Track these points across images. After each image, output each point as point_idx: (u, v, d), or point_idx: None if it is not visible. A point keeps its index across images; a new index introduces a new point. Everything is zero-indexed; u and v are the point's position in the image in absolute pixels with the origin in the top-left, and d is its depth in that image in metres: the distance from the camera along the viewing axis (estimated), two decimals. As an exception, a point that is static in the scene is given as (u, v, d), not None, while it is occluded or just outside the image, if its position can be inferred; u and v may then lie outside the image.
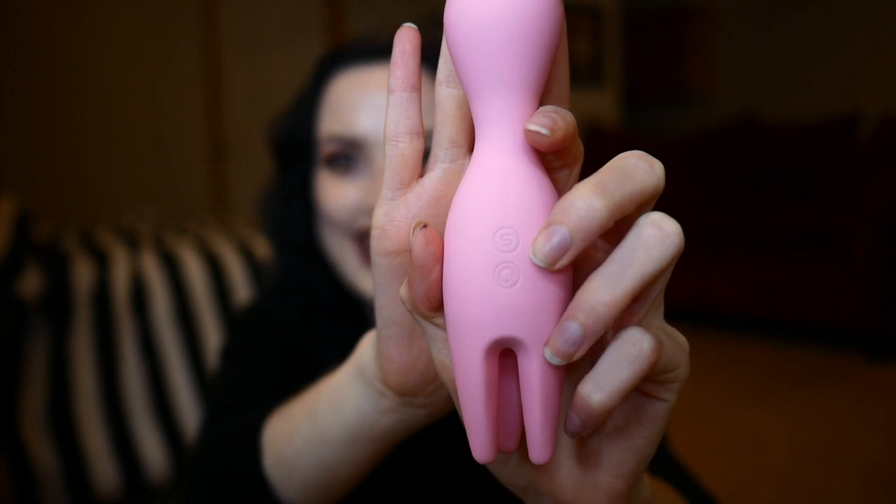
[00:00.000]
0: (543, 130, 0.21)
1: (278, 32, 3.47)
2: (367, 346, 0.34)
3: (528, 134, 0.21)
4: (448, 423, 0.54)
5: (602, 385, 0.21)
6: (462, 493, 0.58)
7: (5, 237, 1.28)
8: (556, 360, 0.21)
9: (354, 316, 0.65)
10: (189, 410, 1.40)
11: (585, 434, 0.22)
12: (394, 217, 0.27)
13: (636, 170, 0.21)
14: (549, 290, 0.22)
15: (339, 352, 0.62)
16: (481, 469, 0.57)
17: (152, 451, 1.36)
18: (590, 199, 0.20)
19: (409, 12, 3.77)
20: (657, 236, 0.21)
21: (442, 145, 0.26)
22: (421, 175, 0.27)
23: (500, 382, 0.25)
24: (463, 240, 0.22)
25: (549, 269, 0.21)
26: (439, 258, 0.23)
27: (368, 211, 0.57)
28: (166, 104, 3.15)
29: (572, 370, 0.26)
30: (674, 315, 3.52)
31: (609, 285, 0.20)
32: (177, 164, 3.20)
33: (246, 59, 3.38)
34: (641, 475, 0.26)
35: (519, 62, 0.22)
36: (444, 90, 0.26)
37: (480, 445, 0.23)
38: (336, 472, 0.37)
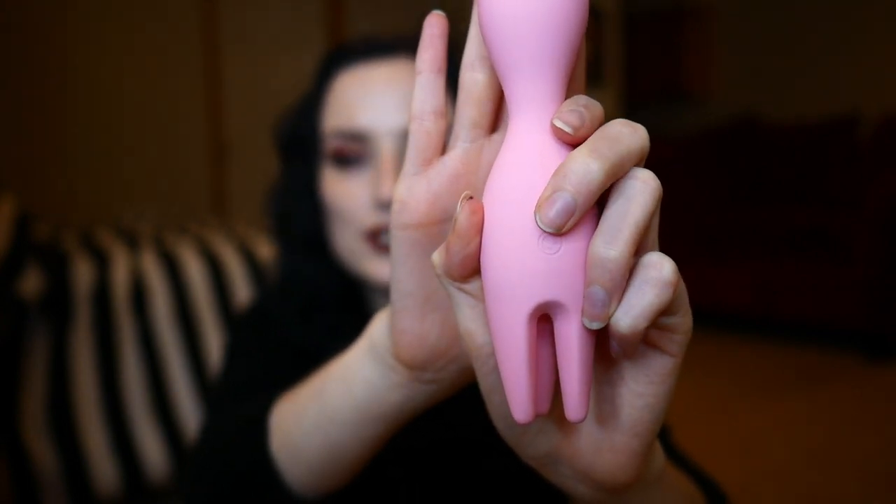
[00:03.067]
0: (567, 128, 0.23)
1: (278, 32, 3.47)
2: (380, 321, 0.35)
3: (554, 129, 0.23)
4: (453, 408, 0.54)
5: (629, 310, 0.22)
6: (467, 478, 0.58)
7: (5, 237, 1.28)
8: (595, 325, 0.22)
9: (358, 315, 0.65)
10: (189, 410, 1.41)
11: (626, 357, 0.24)
12: (414, 192, 0.28)
13: (622, 134, 0.23)
14: (584, 256, 0.23)
15: (343, 350, 0.62)
16: (487, 452, 0.57)
17: (152, 451, 1.36)
18: (587, 163, 0.21)
19: (409, 12, 3.77)
20: (637, 186, 0.23)
21: (464, 126, 0.28)
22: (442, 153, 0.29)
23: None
24: (507, 211, 0.24)
25: (556, 233, 0.22)
26: (480, 229, 0.24)
27: (375, 206, 0.57)
28: (166, 104, 3.15)
29: None
30: (674, 315, 3.51)
31: (611, 241, 0.22)
32: (177, 164, 3.20)
33: (246, 59, 3.38)
34: (656, 434, 0.27)
35: (555, 44, 0.24)
36: (470, 74, 0.27)
37: (522, 407, 0.24)
38: (343, 453, 0.38)
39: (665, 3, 4.71)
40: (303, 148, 0.65)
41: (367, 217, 0.58)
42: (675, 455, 0.55)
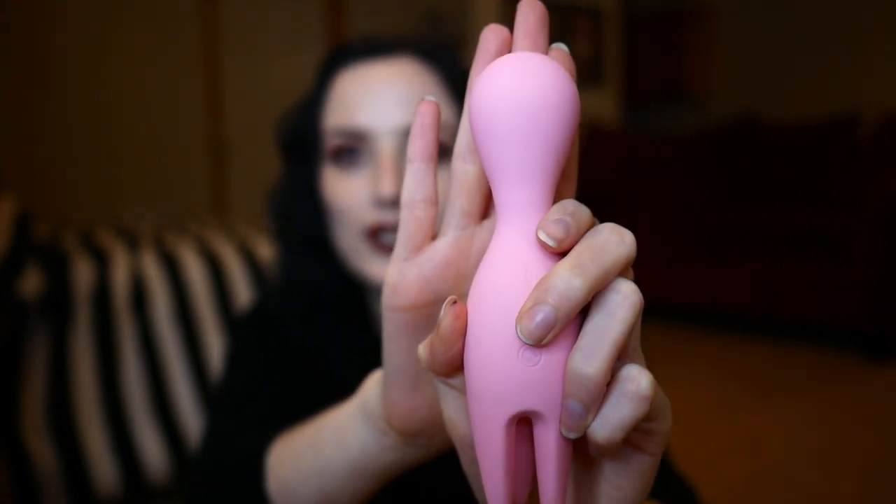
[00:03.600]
0: (551, 242, 0.23)
1: (278, 32, 3.47)
2: (372, 386, 0.36)
3: (538, 240, 0.24)
4: (443, 464, 0.54)
5: (605, 423, 0.23)
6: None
7: (5, 237, 1.28)
8: (572, 435, 0.23)
9: (359, 314, 0.65)
10: (189, 410, 1.41)
11: (604, 459, 0.25)
12: (405, 276, 0.29)
13: (608, 244, 0.23)
14: (564, 367, 0.24)
15: (344, 349, 0.62)
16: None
17: (152, 451, 1.36)
18: (569, 279, 0.22)
19: (408, 12, 3.77)
20: (617, 301, 0.23)
21: (455, 215, 0.29)
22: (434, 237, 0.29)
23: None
24: (490, 320, 0.24)
25: (536, 345, 0.22)
26: (463, 333, 0.25)
27: (375, 204, 0.58)
28: (166, 104, 3.15)
29: None
30: (674, 315, 3.51)
31: (588, 358, 0.22)
32: (177, 164, 3.20)
33: (246, 59, 3.38)
34: None
35: (544, 153, 0.24)
36: (461, 165, 0.28)
37: (498, 503, 0.25)
38: (335, 501, 0.39)
39: (665, 3, 4.71)
40: (304, 147, 0.65)
41: (367, 215, 0.58)
42: (669, 475, 0.55)
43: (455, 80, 0.60)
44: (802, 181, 3.43)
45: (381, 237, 0.58)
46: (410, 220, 0.29)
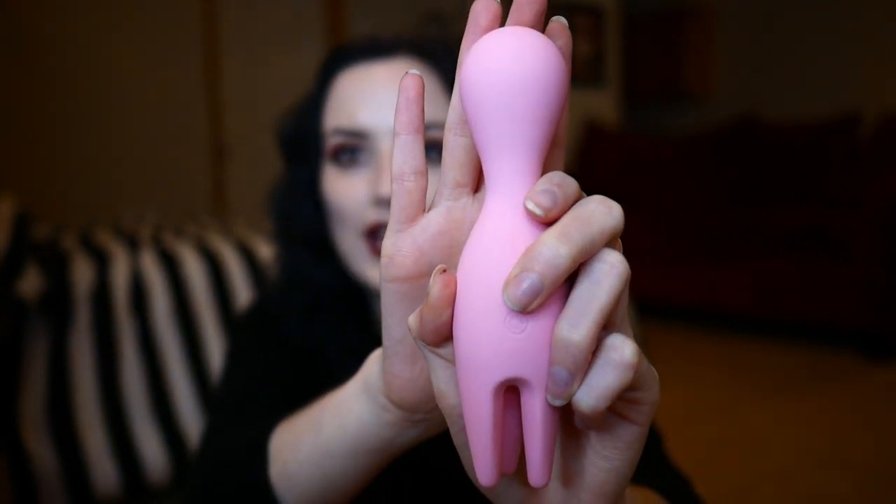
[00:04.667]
0: (538, 211, 0.24)
1: (278, 32, 3.47)
2: (373, 362, 0.37)
3: (526, 210, 0.24)
4: (440, 443, 0.55)
5: (590, 391, 0.23)
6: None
7: (5, 237, 1.28)
8: (558, 402, 0.23)
9: (360, 313, 0.65)
10: (189, 410, 1.40)
11: (590, 430, 0.25)
12: (400, 247, 0.30)
13: (595, 214, 0.23)
14: (551, 335, 0.24)
15: (344, 349, 0.62)
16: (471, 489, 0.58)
17: (152, 451, 1.36)
18: (555, 247, 0.22)
19: (408, 12, 3.77)
20: (604, 270, 0.23)
21: (447, 185, 0.29)
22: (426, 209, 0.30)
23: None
24: (478, 288, 0.24)
25: (522, 312, 0.23)
26: (451, 302, 0.26)
27: (375, 204, 0.58)
28: (166, 104, 3.15)
29: None
30: (674, 315, 3.51)
31: (575, 326, 0.23)
32: (177, 164, 3.20)
33: (246, 59, 3.38)
34: (620, 494, 0.28)
35: (532, 126, 0.25)
36: (452, 137, 0.28)
37: (485, 471, 0.25)
38: (335, 483, 0.40)
39: (665, 3, 4.71)
40: (304, 147, 0.65)
41: (367, 214, 0.58)
42: (664, 466, 0.55)
43: (455, 80, 0.60)
44: (802, 181, 3.43)
45: (380, 238, 0.58)
46: (401, 192, 0.29)
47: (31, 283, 1.27)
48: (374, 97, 0.58)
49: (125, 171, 3.04)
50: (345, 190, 0.59)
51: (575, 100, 4.22)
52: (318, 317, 0.64)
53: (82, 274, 1.41)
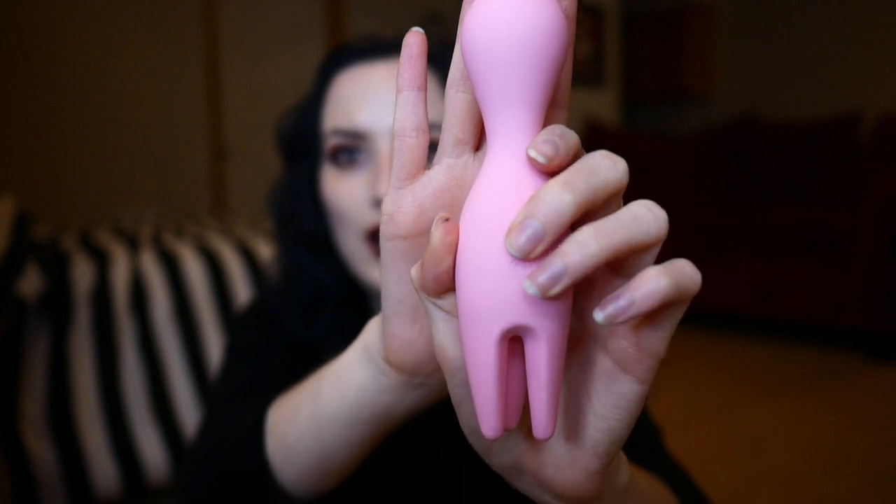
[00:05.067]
0: (541, 159, 0.24)
1: (278, 32, 3.47)
2: (373, 326, 0.37)
3: (528, 158, 0.24)
4: (436, 417, 0.54)
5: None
6: (446, 482, 0.59)
7: (5, 237, 1.28)
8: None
9: (360, 310, 0.65)
10: (189, 410, 1.40)
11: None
12: (401, 205, 0.30)
13: (601, 167, 0.24)
14: None
15: (344, 346, 0.62)
16: (466, 460, 0.59)
17: (152, 451, 1.36)
18: (559, 194, 0.22)
19: (408, 12, 3.77)
20: (646, 215, 0.23)
21: (449, 142, 0.29)
22: (427, 168, 0.30)
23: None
24: (481, 235, 0.25)
25: (525, 258, 0.23)
26: (453, 249, 0.26)
27: (374, 205, 0.58)
28: (166, 104, 3.15)
29: (575, 348, 0.28)
30: (674, 315, 3.51)
31: (598, 235, 0.22)
32: (177, 164, 3.20)
33: (246, 59, 3.38)
34: (616, 456, 0.28)
35: (532, 80, 0.25)
36: (454, 94, 0.28)
37: (490, 423, 0.25)
38: (334, 453, 0.39)
39: (665, 3, 4.71)
40: (304, 148, 0.66)
41: (367, 216, 0.58)
42: (663, 459, 0.55)
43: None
44: (803, 181, 3.43)
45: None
46: (403, 149, 0.29)
47: (31, 283, 1.27)
48: (374, 97, 0.58)
49: (125, 171, 3.04)
50: (343, 191, 0.59)
51: (575, 100, 4.22)
52: (318, 314, 0.64)
53: (82, 274, 1.41)
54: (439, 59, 0.61)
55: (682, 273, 0.24)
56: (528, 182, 0.25)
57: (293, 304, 0.65)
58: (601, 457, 0.27)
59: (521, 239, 0.22)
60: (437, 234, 0.25)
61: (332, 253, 0.65)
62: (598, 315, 0.23)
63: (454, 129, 0.28)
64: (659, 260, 0.25)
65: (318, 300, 0.65)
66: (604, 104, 4.41)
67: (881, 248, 2.70)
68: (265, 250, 1.59)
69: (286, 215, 0.68)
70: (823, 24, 4.06)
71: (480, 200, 0.25)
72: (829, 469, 1.81)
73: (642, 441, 0.55)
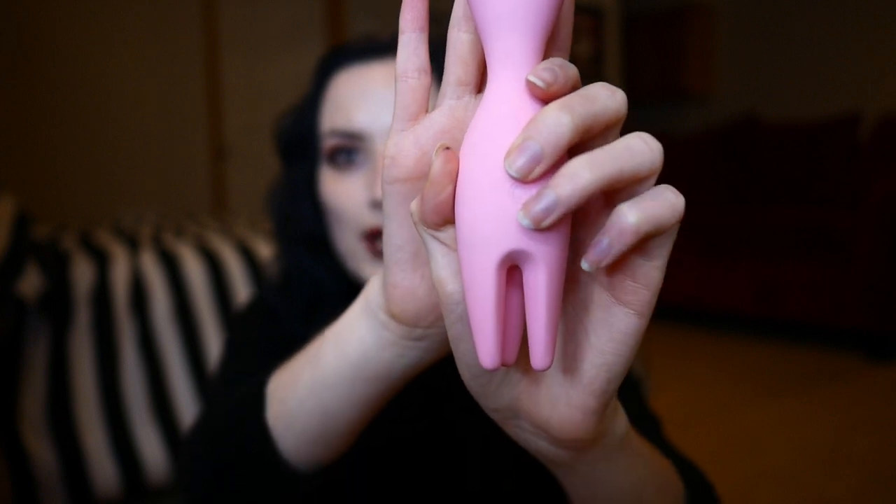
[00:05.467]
0: (539, 83, 0.24)
1: (278, 32, 3.47)
2: (374, 282, 0.37)
3: (528, 83, 0.24)
4: (441, 372, 0.55)
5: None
6: (453, 439, 0.60)
7: (5, 237, 1.28)
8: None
9: None
10: (189, 410, 1.40)
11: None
12: (402, 147, 0.30)
13: (599, 95, 0.24)
14: None
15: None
16: (473, 416, 0.59)
17: (152, 451, 1.36)
18: (557, 116, 0.22)
19: (409, 12, 3.77)
20: (640, 146, 0.24)
21: (451, 83, 0.29)
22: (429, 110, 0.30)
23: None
24: (479, 165, 0.25)
25: (524, 180, 0.23)
26: (453, 178, 0.26)
27: (372, 206, 0.57)
28: (166, 104, 3.15)
29: (572, 282, 0.28)
30: (674, 315, 3.51)
31: (591, 166, 0.22)
32: (177, 164, 3.20)
33: (246, 59, 3.38)
34: (611, 395, 0.28)
35: (534, 10, 0.25)
36: (456, 34, 0.28)
37: (488, 353, 0.25)
38: (335, 416, 0.39)
39: (665, 3, 4.71)
40: (302, 148, 0.65)
41: (365, 218, 0.58)
42: (665, 448, 0.55)
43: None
44: (803, 181, 3.43)
45: (378, 242, 0.58)
46: (405, 90, 0.29)
47: (31, 283, 1.27)
48: (371, 98, 0.58)
49: (125, 171, 3.04)
50: (341, 192, 0.59)
51: (575, 100, 4.22)
52: (317, 314, 0.64)
53: (82, 274, 1.41)
54: (439, 59, 0.61)
55: (660, 205, 0.24)
56: (527, 109, 0.25)
57: (293, 304, 0.65)
58: (597, 395, 0.27)
59: (521, 160, 0.22)
60: (438, 162, 0.25)
61: (331, 253, 0.66)
62: (584, 264, 0.23)
63: (456, 69, 0.28)
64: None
65: (317, 300, 0.65)
66: (604, 104, 4.41)
67: (881, 248, 2.70)
68: (265, 250, 1.59)
69: (285, 215, 0.68)
70: (823, 24, 4.06)
71: (480, 126, 0.25)
72: (829, 469, 1.81)
73: (645, 430, 0.55)
